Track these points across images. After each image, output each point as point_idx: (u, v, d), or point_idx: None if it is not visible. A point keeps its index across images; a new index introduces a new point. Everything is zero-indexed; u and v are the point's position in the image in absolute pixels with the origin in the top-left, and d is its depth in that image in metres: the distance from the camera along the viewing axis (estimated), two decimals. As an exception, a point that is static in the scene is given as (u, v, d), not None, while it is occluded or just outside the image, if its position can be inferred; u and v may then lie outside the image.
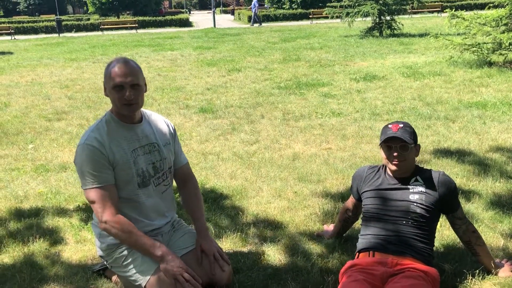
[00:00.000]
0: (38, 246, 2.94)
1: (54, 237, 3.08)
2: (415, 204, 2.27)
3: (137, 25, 28.59)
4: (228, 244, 2.87)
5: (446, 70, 8.44)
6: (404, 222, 2.26)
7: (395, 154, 2.30)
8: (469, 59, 9.19)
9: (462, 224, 2.35)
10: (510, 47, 8.55)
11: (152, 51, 14.73)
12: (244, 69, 10.03)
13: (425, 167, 2.45)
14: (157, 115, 2.50)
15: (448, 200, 2.30)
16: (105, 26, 28.12)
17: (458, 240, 2.68)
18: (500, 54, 8.70)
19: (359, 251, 2.33)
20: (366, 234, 2.35)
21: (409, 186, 2.33)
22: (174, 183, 2.56)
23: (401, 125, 2.31)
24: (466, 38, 8.98)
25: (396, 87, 7.34)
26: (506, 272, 2.39)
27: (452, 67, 8.67)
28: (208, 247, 2.37)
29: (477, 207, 3.16)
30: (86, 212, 3.39)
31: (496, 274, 2.38)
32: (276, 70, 9.72)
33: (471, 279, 2.35)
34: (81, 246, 2.95)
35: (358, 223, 2.87)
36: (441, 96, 6.53)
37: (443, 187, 2.29)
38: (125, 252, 2.31)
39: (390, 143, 2.32)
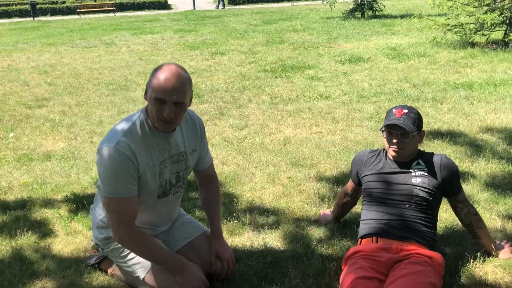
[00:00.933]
0: (26, 240, 2.83)
1: (43, 229, 2.97)
2: (417, 187, 2.24)
3: (115, 8, 27.93)
4: (225, 232, 2.80)
5: (430, 51, 8.44)
6: (407, 206, 2.23)
7: (394, 140, 2.26)
8: (452, 39, 9.22)
9: (464, 207, 2.34)
10: (492, 27, 8.60)
11: (131, 35, 14.40)
12: (227, 52, 9.88)
13: (425, 150, 2.41)
14: (188, 113, 2.24)
15: (450, 183, 2.28)
16: (82, 10, 27.39)
17: (457, 223, 2.69)
18: (483, 34, 8.74)
19: (362, 237, 2.29)
20: (368, 219, 2.31)
21: (411, 170, 2.29)
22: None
23: (406, 111, 2.26)
24: (449, 18, 8.99)
25: (382, 69, 7.32)
26: (506, 254, 2.39)
27: (436, 48, 8.68)
28: (224, 254, 2.30)
29: (472, 188, 3.16)
30: (75, 202, 3.28)
31: (496, 256, 2.38)
32: (261, 53, 9.60)
33: (473, 262, 2.34)
34: (72, 238, 2.85)
35: (355, 208, 2.85)
36: (427, 77, 6.53)
37: (446, 170, 2.26)
38: (122, 244, 2.23)
39: (391, 129, 2.28)
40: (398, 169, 2.31)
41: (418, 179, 2.26)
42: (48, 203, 3.34)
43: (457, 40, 9.01)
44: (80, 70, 8.68)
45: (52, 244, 2.79)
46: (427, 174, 2.26)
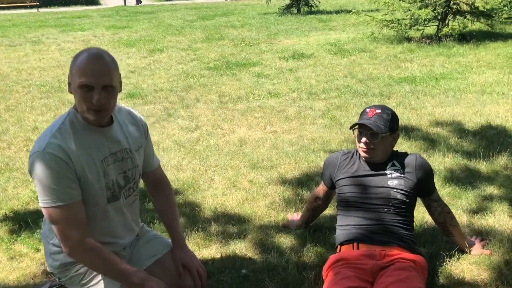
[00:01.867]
0: (-38, 269, 2.48)
1: (-19, 255, 2.63)
2: (395, 190, 2.18)
3: (38, 3, 26.29)
4: (191, 245, 2.61)
5: (369, 46, 8.62)
6: (386, 209, 2.17)
7: (363, 140, 2.19)
8: (388, 34, 9.47)
9: (438, 206, 2.32)
10: (426, 22, 8.94)
11: (60, 32, 13.55)
12: (166, 49, 9.54)
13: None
14: (126, 109, 2.07)
15: (426, 183, 2.24)
16: (0, 5, 25.54)
17: (426, 221, 2.68)
18: (417, 29, 9.05)
19: (341, 244, 2.20)
20: (346, 225, 2.23)
21: (386, 171, 2.23)
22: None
23: (379, 111, 2.19)
24: (386, 14, 9.22)
25: (326, 64, 7.35)
26: (478, 250, 2.40)
27: (375, 43, 8.88)
28: (191, 262, 2.09)
29: (433, 184, 3.18)
30: (16, 221, 2.94)
31: (469, 253, 2.39)
32: (201, 49, 9.36)
33: (449, 261, 2.33)
34: (16, 263, 2.54)
35: (324, 212, 2.76)
36: (371, 72, 6.63)
37: (421, 170, 2.23)
38: (82, 270, 1.98)
39: (361, 129, 2.21)
40: (373, 172, 2.24)
41: (394, 181, 2.20)
42: (-16, 223, 2.97)
43: (394, 35, 9.27)
44: (6, 71, 8.00)
45: (-7, 272, 2.47)
46: (403, 175, 2.21)
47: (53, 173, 1.72)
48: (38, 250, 2.62)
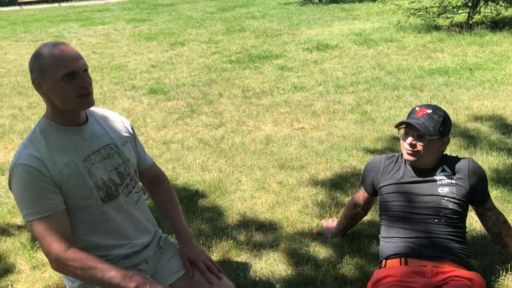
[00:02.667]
0: (-17, 279, 2.38)
1: (3, 263, 2.52)
2: (446, 198, 1.97)
3: (59, -3, 26.44)
4: (219, 255, 2.46)
5: (396, 36, 8.30)
6: (436, 220, 1.96)
7: (409, 141, 1.99)
8: (415, 23, 9.12)
9: (493, 215, 2.10)
10: (455, 10, 8.56)
11: (81, 26, 13.53)
12: (187, 42, 9.38)
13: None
14: (103, 109, 1.99)
15: (479, 190, 2.03)
16: (23, 0, 25.75)
17: (476, 229, 2.47)
18: (446, 17, 8.69)
19: (386, 258, 2.01)
20: (391, 237, 2.03)
21: (436, 178, 2.02)
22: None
23: (429, 111, 1.99)
24: (413, 2, 8.87)
25: (352, 56, 7.09)
26: (536, 262, 2.18)
27: (402, 33, 8.55)
28: (196, 256, 1.95)
29: (478, 186, 2.95)
30: (38, 227, 2.83)
31: (527, 266, 2.17)
32: (222, 42, 9.17)
33: (505, 275, 2.12)
34: (40, 273, 2.42)
35: (364, 218, 2.56)
36: (400, 63, 6.35)
37: (474, 176, 2.01)
38: (104, 291, 1.84)
39: (407, 129, 2.01)
40: (422, 178, 2.04)
41: (445, 188, 1.99)
42: (6, 228, 2.88)
43: (421, 24, 8.92)
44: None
45: (16, 283, 2.36)
46: (454, 182, 2.00)
47: (28, 186, 1.64)
48: (61, 259, 2.50)
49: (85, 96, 1.69)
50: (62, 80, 1.63)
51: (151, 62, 7.72)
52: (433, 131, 1.97)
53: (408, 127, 2.02)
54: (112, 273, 1.72)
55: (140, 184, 2.07)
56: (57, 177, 1.68)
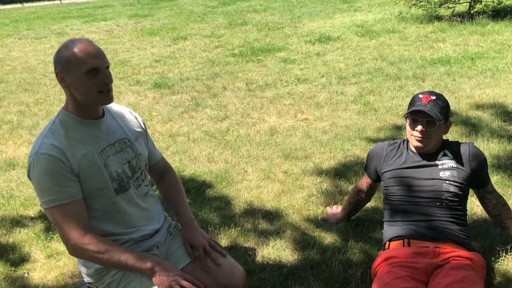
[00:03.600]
0: (0, 268, 2.46)
1: (18, 253, 2.61)
2: (447, 182, 2.04)
3: (60, -6, 26.45)
4: (227, 242, 2.54)
5: (398, 27, 8.32)
6: (438, 203, 2.03)
7: (419, 128, 2.04)
8: (417, 14, 9.13)
9: (493, 198, 2.17)
10: (456, 0, 8.58)
11: (83, 23, 13.58)
12: (190, 37, 9.43)
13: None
14: (118, 105, 2.07)
15: (480, 174, 2.10)
16: (24, -2, 25.78)
17: (477, 213, 2.53)
18: (448, 7, 8.70)
19: (390, 240, 2.08)
20: (395, 220, 2.10)
21: (437, 162, 2.09)
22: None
23: (434, 97, 2.04)
24: (414, -8, 8.88)
25: (354, 47, 7.13)
26: (535, 244, 2.25)
27: (403, 23, 8.57)
28: (197, 240, 2.02)
29: (480, 172, 3.01)
30: (51, 218, 2.91)
31: (526, 247, 2.24)
32: (225, 36, 9.21)
33: (505, 256, 2.19)
34: (54, 261, 2.51)
35: (367, 205, 2.63)
36: (402, 54, 6.39)
37: (475, 160, 2.08)
38: (118, 275, 1.92)
39: (416, 116, 2.06)
40: (424, 162, 2.10)
41: (446, 172, 2.06)
42: (20, 220, 2.96)
43: (423, 14, 8.93)
44: (33, 63, 8.04)
45: (32, 271, 2.44)
46: (455, 166, 2.07)
47: (49, 174, 1.72)
48: (74, 248, 2.58)
49: (106, 93, 1.77)
50: (85, 76, 1.71)
51: (155, 57, 7.78)
52: (441, 116, 2.03)
53: (417, 114, 2.06)
54: (127, 255, 1.82)
55: (149, 177, 2.16)
56: (76, 167, 1.76)
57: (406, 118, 2.11)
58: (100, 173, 1.83)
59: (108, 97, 1.80)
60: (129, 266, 1.83)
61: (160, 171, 2.23)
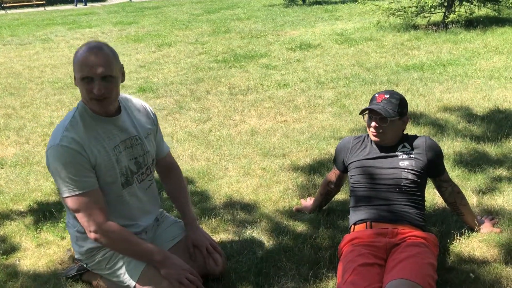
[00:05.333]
0: (-8, 256, 2.60)
1: (9, 243, 2.75)
2: (406, 170, 2.26)
3: (44, 1, 26.43)
4: (208, 230, 2.72)
5: (376, 35, 8.64)
6: (397, 189, 2.25)
7: (373, 125, 2.27)
8: (394, 23, 9.48)
9: (448, 186, 2.39)
10: (432, 9, 8.93)
11: (68, 30, 13.68)
12: (174, 44, 9.63)
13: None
14: (135, 99, 2.20)
15: (435, 163, 2.32)
16: (7, 4, 25.71)
17: (438, 203, 2.76)
18: (424, 16, 9.06)
19: (355, 223, 2.29)
20: (359, 205, 2.31)
21: (397, 153, 2.31)
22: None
23: (387, 96, 2.27)
24: (391, 2, 9.23)
25: (333, 54, 7.40)
26: (487, 228, 2.48)
27: (381, 32, 8.89)
28: (200, 241, 2.22)
29: (443, 167, 3.25)
30: (40, 211, 3.06)
31: (479, 231, 2.46)
32: (209, 43, 9.43)
33: (459, 239, 2.41)
34: (44, 250, 2.66)
35: (337, 196, 2.84)
36: (378, 60, 6.67)
37: (431, 151, 2.30)
38: (108, 254, 2.10)
39: (370, 114, 2.29)
40: (385, 154, 2.32)
41: (405, 162, 2.28)
42: (10, 214, 3.10)
43: (400, 23, 9.28)
44: (18, 69, 8.14)
45: (22, 259, 2.59)
46: (413, 156, 2.29)
47: (69, 164, 1.85)
48: (63, 238, 2.74)
49: (97, 101, 1.88)
50: (81, 82, 1.86)
51: (139, 62, 7.95)
52: (393, 113, 2.25)
53: (371, 112, 2.29)
54: (141, 246, 1.98)
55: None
56: (92, 160, 1.90)
57: (363, 115, 2.33)
58: (113, 168, 1.98)
59: (101, 105, 1.90)
60: (141, 256, 2.00)
61: (167, 167, 2.37)
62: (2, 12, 24.85)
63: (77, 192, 1.88)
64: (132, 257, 2.05)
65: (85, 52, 1.85)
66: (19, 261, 2.57)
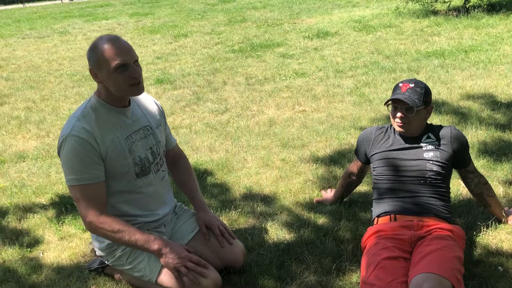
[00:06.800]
0: (16, 251, 2.62)
1: (33, 236, 2.78)
2: (431, 162, 2.20)
3: (60, -6, 26.59)
4: (228, 223, 2.71)
5: (394, 22, 8.47)
6: (422, 181, 2.20)
7: (399, 115, 2.21)
8: (413, 8, 9.28)
9: (474, 177, 2.33)
10: (452, -6, 8.72)
11: (85, 22, 13.76)
12: (190, 34, 9.59)
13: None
14: (144, 93, 2.21)
15: (461, 154, 2.26)
16: (25, -2, 25.95)
17: (463, 194, 2.70)
18: (444, 2, 8.84)
19: (378, 216, 2.24)
20: (382, 198, 2.27)
21: (421, 144, 2.25)
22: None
23: (412, 85, 2.20)
24: (410, -12, 9.03)
25: (351, 42, 7.29)
26: (516, 219, 2.41)
27: (400, 18, 8.72)
28: (212, 221, 2.24)
29: (467, 156, 3.17)
30: (62, 204, 3.09)
31: (507, 223, 2.40)
32: (225, 32, 9.37)
33: (486, 231, 2.35)
34: (67, 242, 2.68)
35: (359, 188, 2.80)
36: (398, 48, 6.55)
37: (456, 142, 2.24)
38: (129, 249, 2.10)
39: (396, 104, 2.23)
40: (409, 145, 2.27)
41: (430, 153, 2.22)
42: (32, 207, 3.13)
43: (419, 9, 9.08)
44: (37, 62, 8.21)
45: (46, 252, 2.61)
46: (438, 147, 2.23)
47: (78, 155, 1.88)
48: (85, 231, 2.75)
49: (136, 85, 1.92)
50: (116, 72, 1.86)
51: (156, 54, 7.94)
52: (419, 102, 2.19)
53: (396, 102, 2.23)
54: (137, 236, 1.99)
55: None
56: (103, 150, 1.93)
57: (387, 106, 2.27)
58: (125, 158, 2.00)
59: (138, 89, 1.95)
60: (139, 246, 2.00)
61: (175, 157, 2.40)
62: (20, 5, 25.15)
63: (81, 183, 1.92)
64: (130, 247, 2.06)
65: (110, 44, 1.86)
66: (42, 253, 2.60)
